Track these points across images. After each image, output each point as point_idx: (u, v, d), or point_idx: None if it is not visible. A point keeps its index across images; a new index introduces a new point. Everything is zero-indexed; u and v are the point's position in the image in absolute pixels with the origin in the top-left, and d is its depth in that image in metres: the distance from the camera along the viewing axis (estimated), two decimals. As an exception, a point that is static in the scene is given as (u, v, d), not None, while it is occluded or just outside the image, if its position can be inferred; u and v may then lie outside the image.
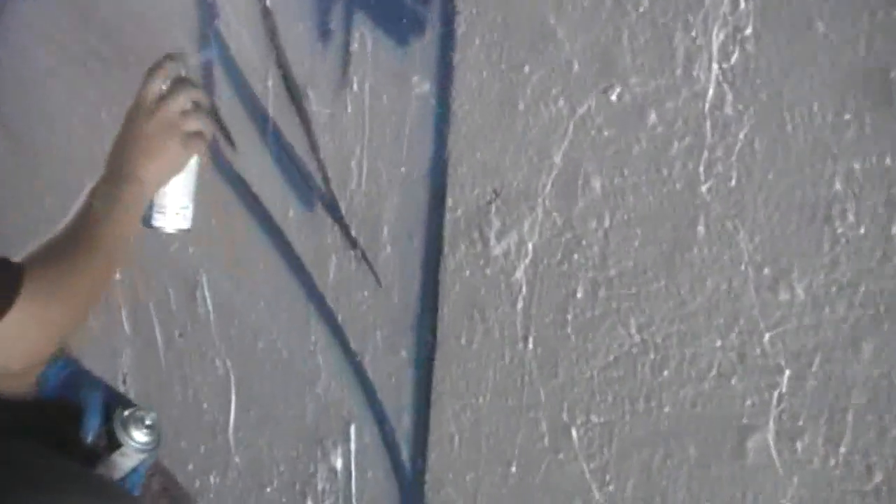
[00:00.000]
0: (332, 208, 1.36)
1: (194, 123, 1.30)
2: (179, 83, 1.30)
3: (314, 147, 1.36)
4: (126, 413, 1.47)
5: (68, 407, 1.40)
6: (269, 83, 1.42)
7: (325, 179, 1.36)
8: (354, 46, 1.22)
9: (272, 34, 1.38)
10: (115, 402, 1.53)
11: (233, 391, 1.76)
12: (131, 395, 1.97)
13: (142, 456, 1.46)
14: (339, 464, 1.52)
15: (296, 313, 1.50)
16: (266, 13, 1.38)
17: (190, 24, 1.52)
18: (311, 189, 1.38)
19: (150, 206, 1.32)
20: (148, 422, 1.48)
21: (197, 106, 1.31)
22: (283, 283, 1.51)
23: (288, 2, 1.32)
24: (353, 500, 1.52)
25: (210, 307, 1.73)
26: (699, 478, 0.97)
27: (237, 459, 1.79)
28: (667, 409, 0.98)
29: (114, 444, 1.44)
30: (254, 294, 1.59)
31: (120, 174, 1.25)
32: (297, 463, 1.62)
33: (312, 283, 1.46)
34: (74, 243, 1.21)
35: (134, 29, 1.67)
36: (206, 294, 1.74)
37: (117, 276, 1.71)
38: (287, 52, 1.36)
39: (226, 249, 1.65)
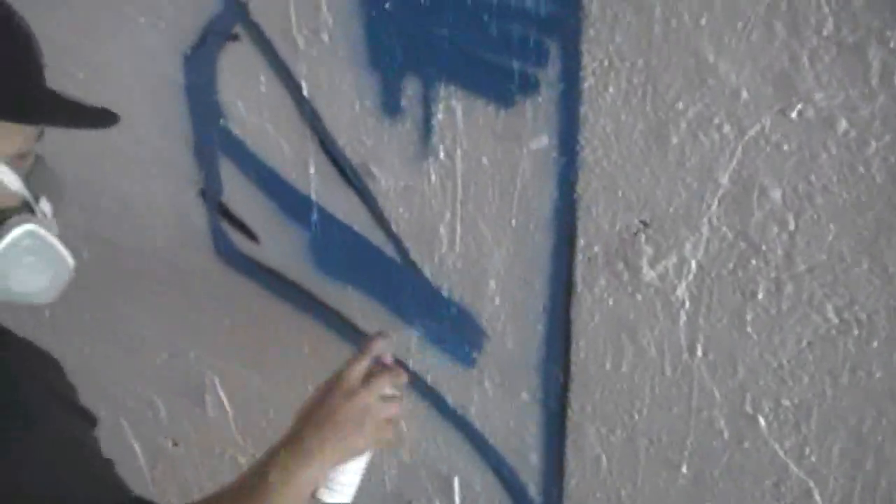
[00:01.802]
0: (412, 277, 1.33)
1: (390, 411, 1.23)
2: (385, 369, 1.25)
3: (382, 222, 1.32)
4: None
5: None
6: (311, 170, 1.36)
7: (401, 250, 1.33)
8: (438, 117, 1.20)
9: (314, 121, 1.32)
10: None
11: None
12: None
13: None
14: (437, 519, 1.49)
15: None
16: (303, 103, 1.32)
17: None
18: (378, 263, 1.34)
19: None
20: None
21: (396, 391, 1.25)
22: (339, 360, 1.45)
23: (337, 88, 1.27)
24: (459, 550, 1.49)
25: (227, 406, 1.63)
26: (921, 425, 1.06)
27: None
28: (878, 375, 1.06)
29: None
30: (296, 380, 1.52)
31: (303, 447, 1.16)
32: (372, 532, 1.57)
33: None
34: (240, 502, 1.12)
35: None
36: (221, 394, 1.63)
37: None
38: (338, 137, 1.30)
39: (246, 343, 1.55)
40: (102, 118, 1.08)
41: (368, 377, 1.23)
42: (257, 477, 1.14)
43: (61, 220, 1.11)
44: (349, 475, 1.26)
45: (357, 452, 1.23)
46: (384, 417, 1.23)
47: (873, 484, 1.10)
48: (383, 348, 1.27)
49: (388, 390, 1.24)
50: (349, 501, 1.28)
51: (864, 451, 1.10)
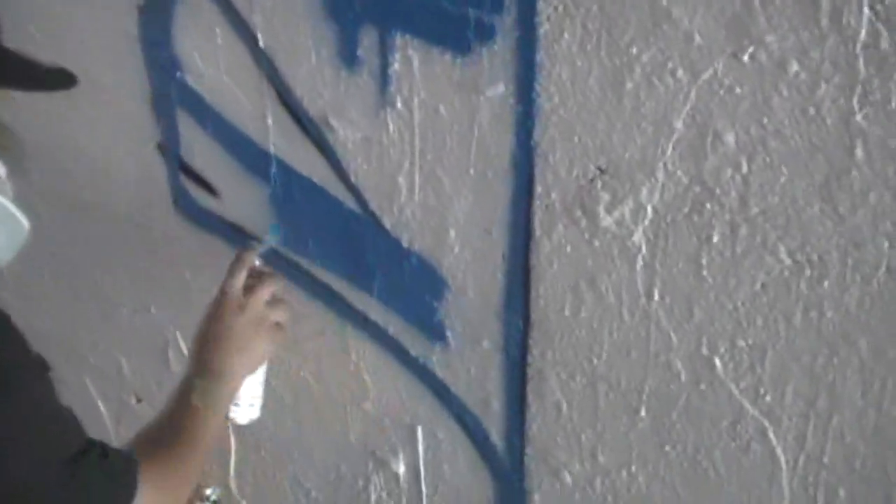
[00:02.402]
0: (372, 228, 1.34)
1: (279, 315, 1.29)
2: (261, 276, 1.29)
3: (341, 174, 1.32)
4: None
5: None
6: (269, 122, 1.35)
7: (361, 202, 1.33)
8: (395, 67, 1.20)
9: (271, 73, 1.31)
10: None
11: (231, 437, 1.67)
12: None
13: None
14: (401, 469, 1.50)
15: (326, 340, 1.46)
16: (259, 55, 1.31)
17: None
18: (338, 215, 1.34)
19: None
20: (213, 497, 1.41)
21: (277, 296, 1.30)
22: (301, 313, 1.46)
23: (293, 40, 1.26)
24: (424, 499, 1.51)
25: (190, 363, 1.62)
26: (871, 365, 1.08)
27: (244, 503, 1.71)
28: (830, 315, 1.08)
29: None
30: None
31: (214, 370, 1.23)
32: (337, 484, 1.58)
33: (348, 305, 1.42)
34: (179, 435, 1.19)
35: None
36: (184, 350, 1.63)
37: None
38: (295, 88, 1.30)
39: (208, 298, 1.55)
40: (61, 79, 1.08)
41: (250, 288, 1.28)
42: (182, 405, 1.21)
43: (21, 180, 1.10)
44: (252, 388, 1.32)
45: (259, 360, 1.30)
46: (275, 321, 1.30)
47: (825, 422, 1.12)
48: (251, 261, 1.31)
49: (269, 296, 1.29)
50: (257, 415, 1.35)
51: (816, 391, 1.12)
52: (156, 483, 1.09)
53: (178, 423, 1.21)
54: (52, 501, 1.02)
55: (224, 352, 1.23)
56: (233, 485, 1.75)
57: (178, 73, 1.41)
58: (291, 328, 1.37)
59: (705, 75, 1.03)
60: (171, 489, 1.14)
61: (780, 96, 1.01)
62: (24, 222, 1.09)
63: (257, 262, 1.34)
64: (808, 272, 1.07)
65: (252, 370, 1.28)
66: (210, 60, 1.37)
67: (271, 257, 1.42)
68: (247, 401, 1.34)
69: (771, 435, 1.17)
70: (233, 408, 1.32)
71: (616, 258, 1.18)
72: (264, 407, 1.52)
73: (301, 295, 1.47)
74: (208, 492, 1.40)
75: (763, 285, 1.10)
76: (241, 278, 1.26)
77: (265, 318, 1.26)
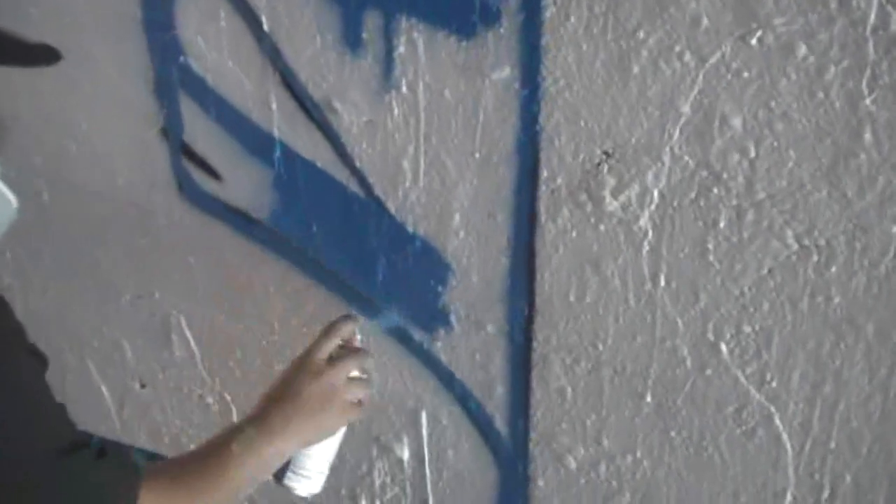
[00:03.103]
0: (376, 212, 1.33)
1: (357, 393, 1.24)
2: (352, 349, 1.26)
3: (345, 158, 1.32)
4: None
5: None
6: (273, 106, 1.34)
7: (365, 186, 1.32)
8: (400, 51, 1.19)
9: (274, 57, 1.31)
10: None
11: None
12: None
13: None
14: (405, 454, 1.50)
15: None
16: (263, 39, 1.30)
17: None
18: (342, 199, 1.34)
19: (287, 463, 1.24)
20: None
21: (363, 374, 1.26)
22: (305, 299, 1.46)
23: (297, 23, 1.25)
24: (428, 484, 1.51)
25: (194, 347, 1.63)
26: (878, 350, 1.08)
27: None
28: (837, 300, 1.08)
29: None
30: (262, 320, 1.52)
31: (269, 424, 1.17)
32: (339, 470, 1.58)
33: (352, 290, 1.42)
34: (200, 474, 1.13)
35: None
36: (187, 334, 1.63)
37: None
38: (299, 72, 1.29)
39: (211, 283, 1.55)
40: (44, 55, 1.06)
41: (335, 359, 1.24)
42: (221, 447, 1.15)
43: (11, 159, 1.09)
44: (316, 461, 1.26)
45: (324, 433, 1.24)
46: (351, 399, 1.24)
47: (832, 407, 1.12)
48: (350, 331, 1.28)
49: (356, 372, 1.25)
50: (318, 490, 1.29)
51: (822, 376, 1.11)
52: (157, 497, 1.05)
53: (208, 461, 1.15)
54: (43, 491, 0.97)
55: (285, 413, 1.17)
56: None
57: (181, 57, 1.40)
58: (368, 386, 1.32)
59: (712, 59, 1.03)
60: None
61: (788, 80, 1.00)
62: (12, 200, 1.08)
63: (359, 337, 1.31)
64: (815, 257, 1.07)
65: (311, 441, 1.21)
66: (213, 44, 1.36)
67: (276, 242, 1.42)
68: (312, 473, 1.27)
69: (777, 420, 1.16)
70: (293, 476, 1.26)
71: (622, 243, 1.17)
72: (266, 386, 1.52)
73: (305, 279, 1.46)
74: None
75: (770, 270, 1.10)
76: (329, 346, 1.23)
77: (341, 392, 1.20)
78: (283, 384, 1.23)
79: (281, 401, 1.20)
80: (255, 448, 1.16)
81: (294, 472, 1.26)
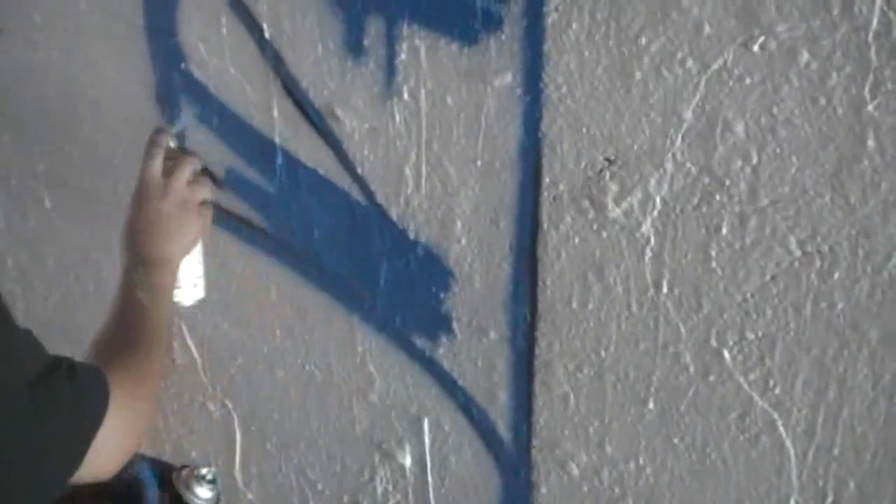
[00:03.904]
0: (378, 219, 1.33)
1: (202, 192, 1.30)
2: (179, 156, 1.29)
3: (348, 165, 1.32)
4: (184, 473, 1.40)
5: (123, 485, 1.31)
6: (275, 113, 1.35)
7: (367, 193, 1.32)
8: (402, 57, 1.19)
9: (276, 64, 1.31)
10: (163, 467, 1.44)
11: (237, 429, 1.67)
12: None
13: (210, 512, 1.40)
14: (407, 461, 1.50)
15: (333, 331, 1.45)
16: (265, 45, 1.30)
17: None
18: (344, 206, 1.34)
19: None
20: (209, 476, 1.41)
21: (198, 174, 1.30)
22: (308, 304, 1.46)
23: (299, 30, 1.26)
24: (430, 491, 1.51)
25: (195, 353, 1.63)
26: (882, 356, 1.08)
27: (250, 496, 1.71)
28: (840, 306, 1.08)
29: (182, 507, 1.37)
30: (264, 326, 1.53)
31: (151, 258, 1.23)
32: (342, 476, 1.58)
33: (354, 296, 1.42)
34: (134, 335, 1.17)
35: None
36: (189, 341, 1.63)
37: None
38: (301, 79, 1.29)
39: (213, 290, 1.55)
40: None
41: (169, 171, 1.28)
42: (128, 303, 1.20)
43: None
44: (192, 268, 1.33)
45: (192, 240, 1.30)
46: (199, 200, 1.30)
47: (835, 414, 1.12)
48: (165, 140, 1.31)
49: (190, 176, 1.30)
50: (202, 295, 1.36)
51: (826, 382, 1.11)
52: (125, 390, 1.07)
53: (130, 322, 1.20)
54: (20, 424, 0.95)
55: (156, 239, 1.22)
56: (238, 476, 1.75)
57: (183, 64, 1.41)
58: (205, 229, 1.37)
59: (715, 65, 1.03)
60: (141, 394, 1.12)
61: (791, 86, 1.00)
62: None
63: (172, 144, 1.33)
64: (818, 263, 1.07)
65: (187, 251, 1.28)
66: (215, 50, 1.36)
67: (278, 249, 1.42)
68: (189, 281, 1.34)
69: (780, 427, 1.16)
70: (176, 292, 1.32)
71: (624, 249, 1.17)
72: (270, 398, 1.53)
73: (307, 286, 1.47)
74: (204, 471, 1.40)
75: (773, 276, 1.10)
76: (158, 162, 1.26)
77: (190, 199, 1.26)
78: (138, 214, 1.27)
79: (146, 230, 1.26)
80: (155, 283, 1.23)
81: (179, 288, 1.33)
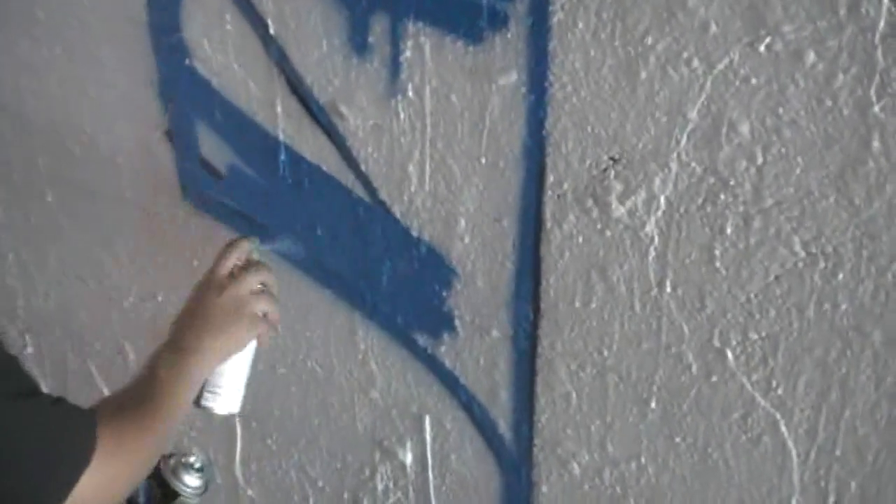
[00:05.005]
0: (381, 216, 1.33)
1: (262, 305, 1.28)
2: (252, 264, 1.29)
3: (351, 162, 1.32)
4: (172, 461, 1.39)
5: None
6: (279, 109, 1.34)
7: (370, 190, 1.32)
8: (406, 55, 1.19)
9: (281, 61, 1.31)
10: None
11: (237, 426, 1.67)
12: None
13: (198, 500, 1.39)
14: (408, 458, 1.50)
15: (334, 328, 1.45)
16: (269, 42, 1.30)
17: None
18: (347, 203, 1.34)
19: (203, 386, 1.26)
20: (197, 465, 1.40)
21: (266, 288, 1.28)
22: (309, 302, 1.46)
23: (303, 27, 1.25)
24: (431, 489, 1.51)
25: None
26: (885, 358, 1.08)
27: (250, 493, 1.71)
28: (844, 307, 1.07)
29: (169, 495, 1.36)
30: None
31: (185, 345, 1.21)
32: (343, 474, 1.58)
33: (357, 294, 1.42)
34: (140, 404, 1.16)
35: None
36: (191, 339, 1.62)
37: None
38: (305, 76, 1.29)
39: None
40: None
41: (237, 275, 1.27)
42: (147, 377, 1.18)
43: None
44: (228, 377, 1.28)
45: (235, 347, 1.27)
46: (257, 310, 1.28)
47: (838, 415, 1.12)
48: (246, 249, 1.31)
49: (258, 286, 1.28)
50: (237, 410, 1.31)
51: (829, 383, 1.11)
52: (110, 444, 1.05)
53: (142, 391, 1.18)
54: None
55: (197, 328, 1.21)
56: (238, 473, 1.75)
57: (187, 60, 1.40)
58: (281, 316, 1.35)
59: (720, 65, 1.03)
60: (127, 453, 1.09)
61: (797, 87, 1.00)
62: None
63: (255, 255, 1.33)
64: (822, 264, 1.07)
65: (226, 355, 1.24)
66: (219, 47, 1.36)
67: (281, 246, 1.42)
68: (227, 391, 1.29)
69: (782, 427, 1.16)
70: (209, 395, 1.28)
71: (628, 249, 1.17)
72: (271, 395, 1.53)
73: (309, 283, 1.46)
74: (192, 459, 1.39)
75: (776, 277, 1.10)
76: (229, 263, 1.26)
77: (246, 305, 1.24)
78: (191, 305, 1.26)
79: (192, 320, 1.24)
80: (179, 369, 1.19)
81: (210, 392, 1.28)
